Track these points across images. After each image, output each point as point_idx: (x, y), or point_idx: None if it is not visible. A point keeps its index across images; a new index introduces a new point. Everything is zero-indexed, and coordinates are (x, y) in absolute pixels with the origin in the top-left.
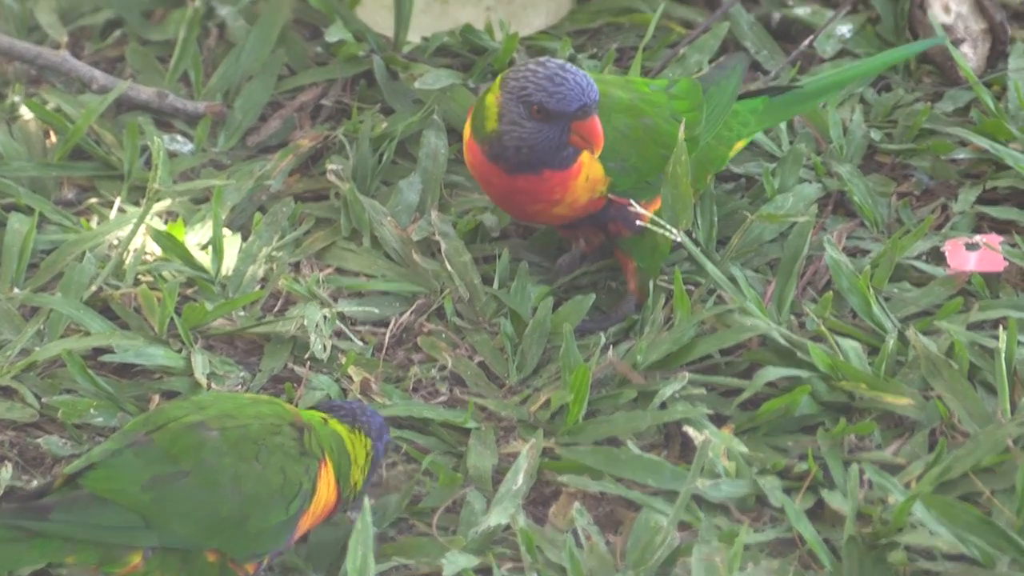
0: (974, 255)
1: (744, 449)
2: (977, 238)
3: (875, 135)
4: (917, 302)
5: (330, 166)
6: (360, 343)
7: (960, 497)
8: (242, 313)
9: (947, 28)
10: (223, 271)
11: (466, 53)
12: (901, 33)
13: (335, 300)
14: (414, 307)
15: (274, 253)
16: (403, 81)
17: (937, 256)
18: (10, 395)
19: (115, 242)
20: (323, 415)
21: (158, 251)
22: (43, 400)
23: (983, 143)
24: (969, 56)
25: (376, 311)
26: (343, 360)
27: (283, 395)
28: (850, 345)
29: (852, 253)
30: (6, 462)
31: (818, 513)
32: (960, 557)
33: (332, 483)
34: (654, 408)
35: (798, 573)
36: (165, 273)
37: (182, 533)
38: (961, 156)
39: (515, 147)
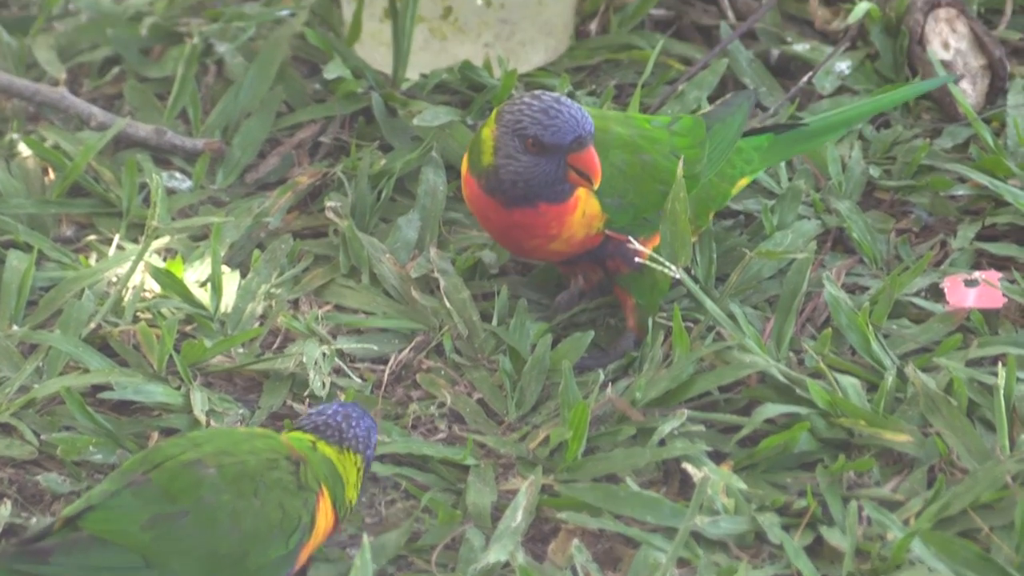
0: (973, 292)
1: (743, 486)
2: (976, 274)
3: (874, 171)
4: (916, 339)
5: (329, 203)
6: (359, 380)
7: (959, 533)
8: (241, 350)
9: (946, 64)
10: (222, 308)
11: (465, 90)
12: (900, 70)
13: (334, 337)
14: (413, 344)
15: (273, 290)
16: (402, 118)
17: (936, 292)
18: (9, 432)
19: (114, 279)
20: (311, 438)
21: (157, 288)
22: (42, 437)
23: (982, 179)
24: (968, 92)
25: (375, 348)
26: (342, 397)
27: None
28: (849, 382)
29: (851, 290)
30: (5, 499)
31: (817, 550)
32: None
33: (330, 512)
34: (653, 445)
35: None
36: (164, 310)
37: (183, 571)
38: (960, 192)
39: (511, 181)
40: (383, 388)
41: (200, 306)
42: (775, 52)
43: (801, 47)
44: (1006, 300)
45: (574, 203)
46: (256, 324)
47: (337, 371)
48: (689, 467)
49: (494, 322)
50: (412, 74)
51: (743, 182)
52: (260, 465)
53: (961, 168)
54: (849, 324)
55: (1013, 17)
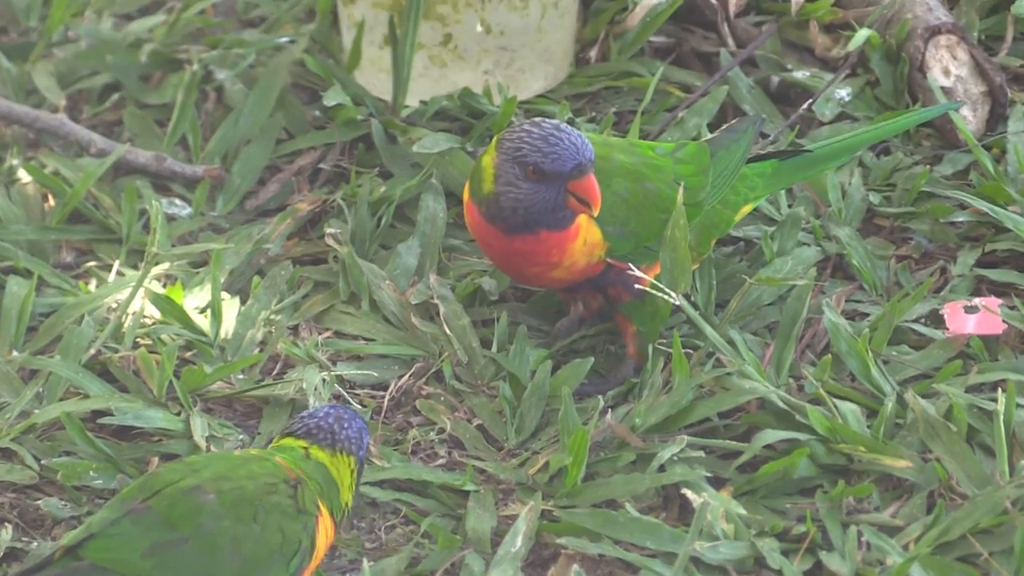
0: (973, 318)
1: (742, 511)
2: (976, 301)
3: (874, 198)
4: (916, 365)
5: (328, 230)
6: (359, 406)
7: (958, 559)
8: (241, 376)
9: (946, 91)
10: (222, 334)
11: (464, 117)
12: (900, 97)
13: (334, 363)
14: (413, 370)
15: (273, 316)
16: (401, 145)
17: (936, 319)
18: (10, 457)
19: (114, 305)
20: (304, 444)
21: (157, 314)
22: (42, 462)
23: (982, 206)
24: (969, 119)
25: (375, 374)
26: None
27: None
28: (849, 408)
29: (851, 316)
30: (6, 524)
31: (816, 575)
32: None
33: (330, 529)
34: (653, 471)
35: None
36: (164, 336)
37: None
38: (960, 219)
39: (511, 208)
40: (383, 414)
41: (200, 332)
42: (775, 79)
43: (801, 74)
44: (1006, 326)
45: (575, 231)
46: (256, 350)
47: (337, 397)
48: (689, 493)
49: (494, 348)
50: (412, 101)
51: (746, 209)
52: (259, 490)
53: (961, 195)
54: (849, 350)
55: (1013, 43)
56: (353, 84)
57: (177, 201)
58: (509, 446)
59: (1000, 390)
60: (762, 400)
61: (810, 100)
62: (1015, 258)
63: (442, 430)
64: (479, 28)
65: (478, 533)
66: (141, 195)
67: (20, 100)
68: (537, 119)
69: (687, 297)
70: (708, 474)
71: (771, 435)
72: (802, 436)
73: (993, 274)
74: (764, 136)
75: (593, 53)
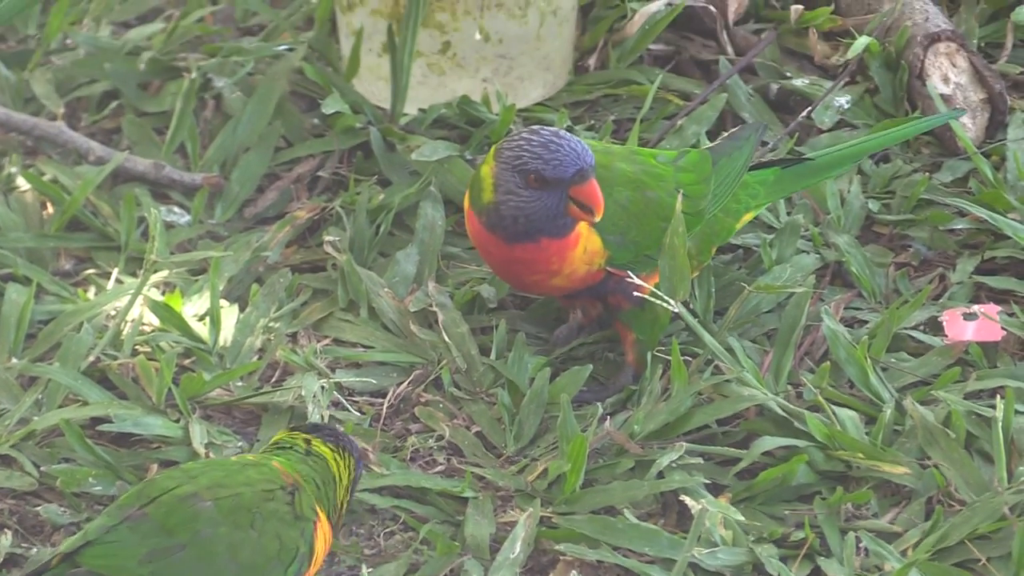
0: (972, 325)
1: (741, 518)
2: (975, 308)
3: (873, 206)
4: (915, 372)
5: (327, 237)
6: (358, 413)
7: (956, 564)
8: (240, 383)
9: (946, 98)
10: (220, 342)
11: (463, 125)
12: (900, 104)
13: (332, 371)
14: (411, 378)
15: (271, 324)
16: (400, 153)
17: (935, 326)
18: (9, 464)
19: (112, 313)
20: (305, 436)
21: (156, 322)
22: (42, 469)
23: (982, 213)
24: (968, 126)
25: (373, 382)
26: (341, 429)
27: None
28: (847, 415)
29: (850, 323)
30: (6, 530)
31: None
32: None
33: (328, 533)
34: (651, 477)
35: None
36: (163, 344)
37: None
38: (959, 226)
39: (512, 217)
40: (381, 421)
41: (199, 340)
42: (774, 87)
43: (800, 82)
44: (1005, 333)
45: (575, 239)
46: (255, 357)
47: (336, 404)
48: (687, 499)
49: (492, 356)
50: (410, 109)
51: (747, 217)
52: (256, 496)
53: (960, 202)
54: (848, 357)
55: (1013, 51)
56: (352, 92)
57: (176, 209)
58: (508, 453)
59: (999, 397)
60: (761, 407)
61: (809, 108)
62: (1014, 265)
63: (441, 437)
64: (478, 36)
65: (477, 540)
66: (140, 203)
67: (19, 108)
68: (535, 127)
69: (686, 305)
70: (707, 481)
71: (770, 442)
72: (801, 443)
73: (992, 281)
74: (763, 144)
75: (592, 61)
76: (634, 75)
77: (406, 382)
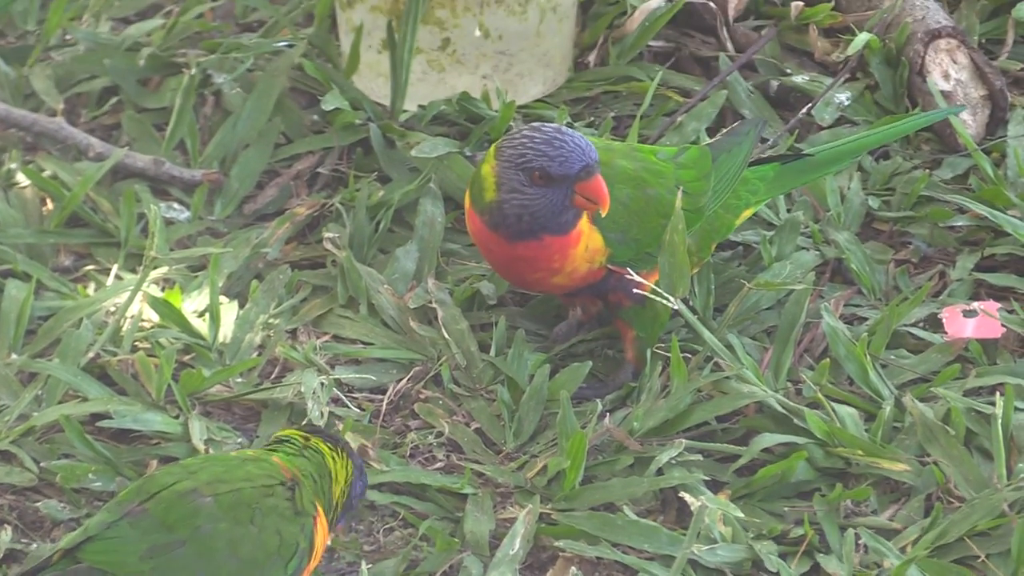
0: (972, 322)
1: (740, 514)
2: (975, 305)
3: (873, 203)
4: (914, 369)
5: (327, 234)
6: (357, 410)
7: (955, 561)
8: (239, 380)
9: (946, 95)
10: (220, 338)
11: (463, 121)
12: (900, 101)
13: (332, 367)
14: (411, 374)
15: (271, 320)
16: (400, 149)
17: (935, 323)
18: (9, 459)
19: (112, 309)
20: (304, 434)
21: (155, 318)
22: (42, 464)
23: (982, 210)
24: (968, 123)
25: (373, 378)
26: (340, 427)
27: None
28: (847, 412)
29: (849, 320)
30: (6, 526)
31: None
32: None
33: (325, 529)
34: (651, 474)
35: None
36: (162, 340)
37: None
38: (959, 223)
39: (516, 215)
40: (381, 417)
41: (198, 336)
42: (774, 83)
43: (800, 78)
44: (1004, 330)
45: (576, 236)
46: (254, 354)
47: (335, 401)
48: (687, 496)
49: (492, 352)
50: (410, 105)
51: (747, 213)
52: (256, 492)
53: (961, 199)
54: (847, 354)
55: (1014, 47)
56: (351, 88)
57: (175, 205)
58: (507, 449)
59: (998, 394)
60: (760, 404)
61: (809, 104)
62: (1014, 262)
63: (440, 434)
64: (477, 33)
65: (476, 536)
66: (139, 199)
67: (18, 104)
68: (535, 124)
69: (686, 302)
70: (706, 477)
71: (769, 439)
72: (800, 440)
73: (992, 278)
74: (763, 141)
75: (592, 57)
76: (634, 72)
77: (406, 378)
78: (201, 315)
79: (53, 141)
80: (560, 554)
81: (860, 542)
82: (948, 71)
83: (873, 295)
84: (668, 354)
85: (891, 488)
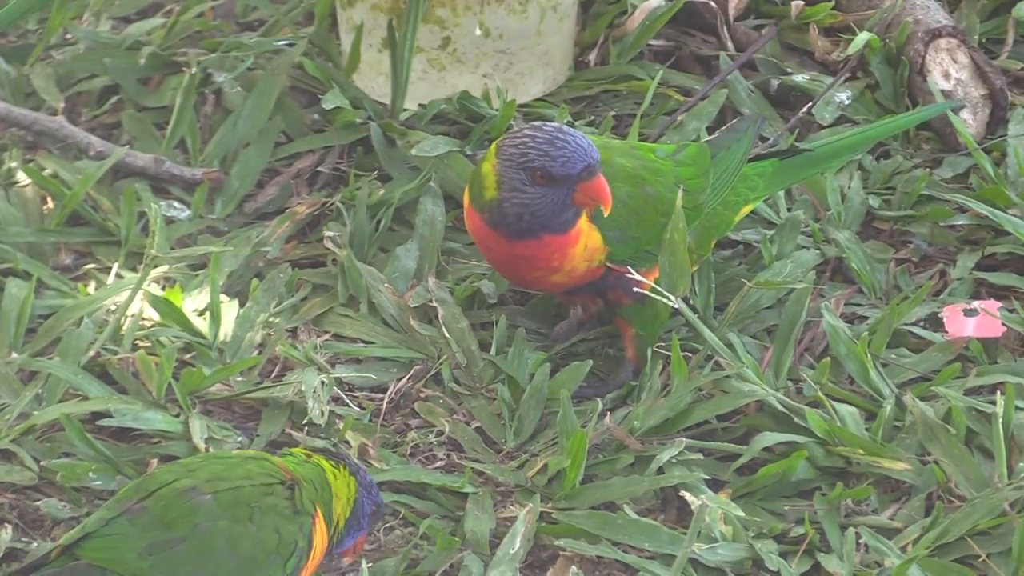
0: (972, 321)
1: (741, 513)
2: (975, 304)
3: (873, 202)
4: (915, 368)
5: (327, 233)
6: (358, 409)
7: (956, 560)
8: (240, 378)
9: (946, 94)
10: (220, 337)
11: (463, 120)
12: (900, 100)
13: (332, 366)
14: (411, 373)
15: (271, 319)
16: (400, 148)
17: (935, 322)
18: (9, 458)
19: (113, 307)
20: (306, 451)
21: (156, 317)
22: (42, 463)
23: (982, 209)
24: (969, 122)
25: (374, 377)
26: (341, 425)
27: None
28: (847, 411)
29: (850, 319)
30: (6, 524)
31: None
32: None
33: (324, 530)
34: (651, 473)
35: None
36: (163, 338)
37: None
38: (960, 222)
39: (516, 214)
40: (381, 416)
41: (199, 335)
42: (775, 82)
43: (801, 77)
44: (1005, 329)
45: (576, 235)
46: (255, 353)
47: (336, 399)
48: (687, 495)
49: (492, 351)
50: (411, 104)
51: (746, 209)
52: (255, 491)
53: (961, 198)
54: (848, 353)
55: (1014, 46)
56: (352, 87)
57: (176, 204)
58: (508, 448)
59: (999, 393)
60: (761, 403)
61: (810, 104)
62: (1015, 261)
63: (441, 432)
64: (478, 32)
65: (476, 535)
66: (140, 198)
67: (19, 102)
68: (537, 123)
69: (686, 300)
70: (706, 476)
71: (770, 438)
72: (800, 439)
73: (993, 277)
74: (763, 139)
75: (592, 56)
76: (634, 71)
77: (406, 377)
78: (201, 314)
79: (54, 140)
80: (560, 553)
81: (861, 541)
82: (948, 70)
83: (873, 294)
84: (668, 353)
85: (892, 487)
